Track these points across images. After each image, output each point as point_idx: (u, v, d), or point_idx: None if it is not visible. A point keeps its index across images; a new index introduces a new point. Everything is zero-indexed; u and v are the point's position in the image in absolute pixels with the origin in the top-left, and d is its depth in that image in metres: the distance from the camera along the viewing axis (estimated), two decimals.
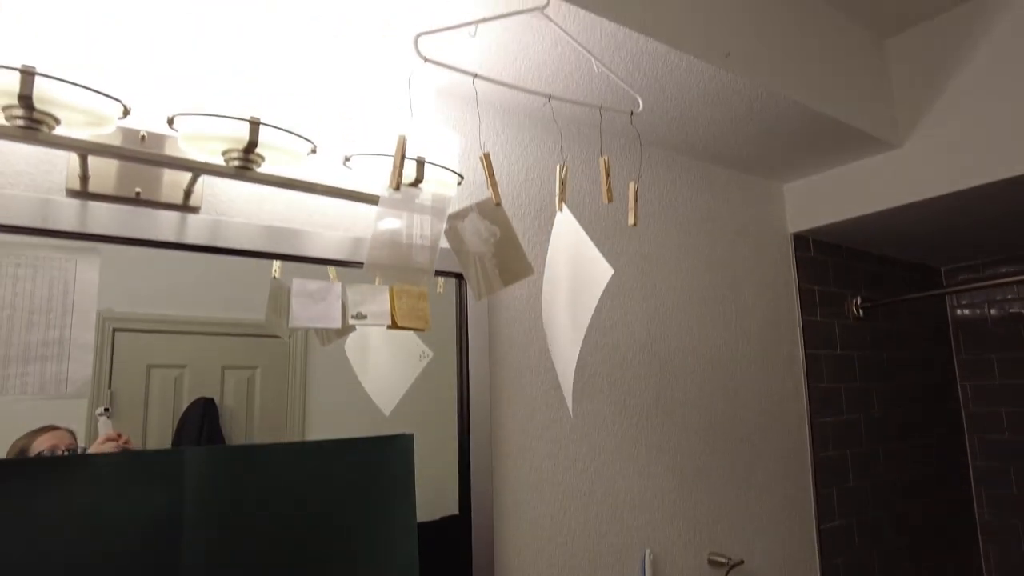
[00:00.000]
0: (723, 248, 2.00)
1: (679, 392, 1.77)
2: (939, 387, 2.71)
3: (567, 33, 1.17)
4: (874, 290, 2.48)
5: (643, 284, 1.75)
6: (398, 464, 1.25)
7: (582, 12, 1.20)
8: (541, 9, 1.10)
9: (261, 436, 1.21)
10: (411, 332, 1.31)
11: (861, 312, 2.36)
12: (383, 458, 1.29)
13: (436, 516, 1.31)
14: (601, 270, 1.15)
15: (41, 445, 1.07)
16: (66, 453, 1.07)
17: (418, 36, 0.96)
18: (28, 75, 0.87)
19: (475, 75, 1.00)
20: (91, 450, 1.08)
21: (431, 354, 1.34)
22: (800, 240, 2.23)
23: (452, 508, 1.34)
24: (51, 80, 0.88)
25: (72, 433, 1.08)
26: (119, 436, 1.11)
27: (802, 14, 1.70)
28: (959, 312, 2.84)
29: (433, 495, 1.32)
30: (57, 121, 0.94)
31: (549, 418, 1.51)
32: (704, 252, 1.93)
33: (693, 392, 1.81)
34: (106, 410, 1.11)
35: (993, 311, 2.73)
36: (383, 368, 1.28)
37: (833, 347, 2.24)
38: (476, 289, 1.19)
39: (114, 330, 1.14)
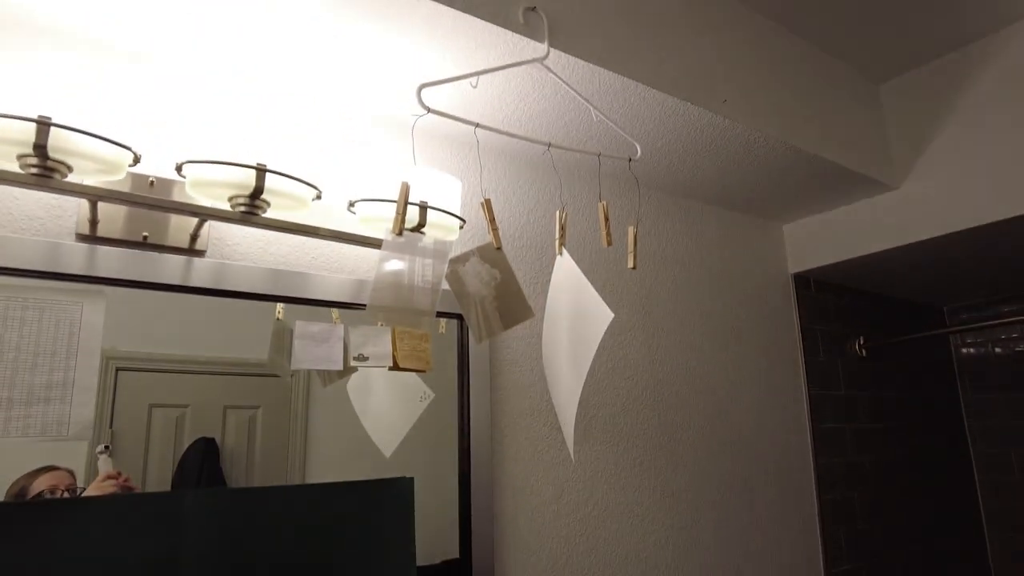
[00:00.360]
0: (724, 289, 2.01)
1: (682, 434, 1.76)
2: (946, 427, 2.68)
3: (566, 83, 1.20)
4: (877, 329, 2.48)
5: (644, 325, 1.76)
6: (398, 508, 1.24)
7: (581, 62, 1.23)
8: (541, 60, 1.13)
9: (262, 476, 1.21)
10: (412, 373, 1.31)
11: (864, 352, 2.36)
12: (383, 501, 1.28)
13: (436, 560, 1.29)
14: (601, 313, 1.16)
15: (40, 486, 1.07)
16: (65, 494, 1.07)
17: (421, 87, 0.99)
18: (44, 125, 0.89)
19: (477, 124, 1.03)
20: (90, 489, 1.08)
21: (432, 395, 1.34)
22: (801, 280, 2.24)
23: (452, 552, 1.32)
24: (66, 130, 0.91)
25: (71, 473, 1.08)
26: (119, 475, 1.10)
27: (797, 60, 1.74)
28: (963, 351, 2.82)
29: (433, 538, 1.30)
30: (70, 168, 0.96)
31: (551, 460, 1.50)
32: (705, 293, 1.94)
33: (697, 434, 1.79)
34: (106, 448, 1.11)
35: (998, 350, 2.71)
36: (384, 409, 1.28)
37: (837, 387, 2.23)
38: (477, 332, 1.20)
39: (117, 369, 1.15)
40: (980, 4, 1.60)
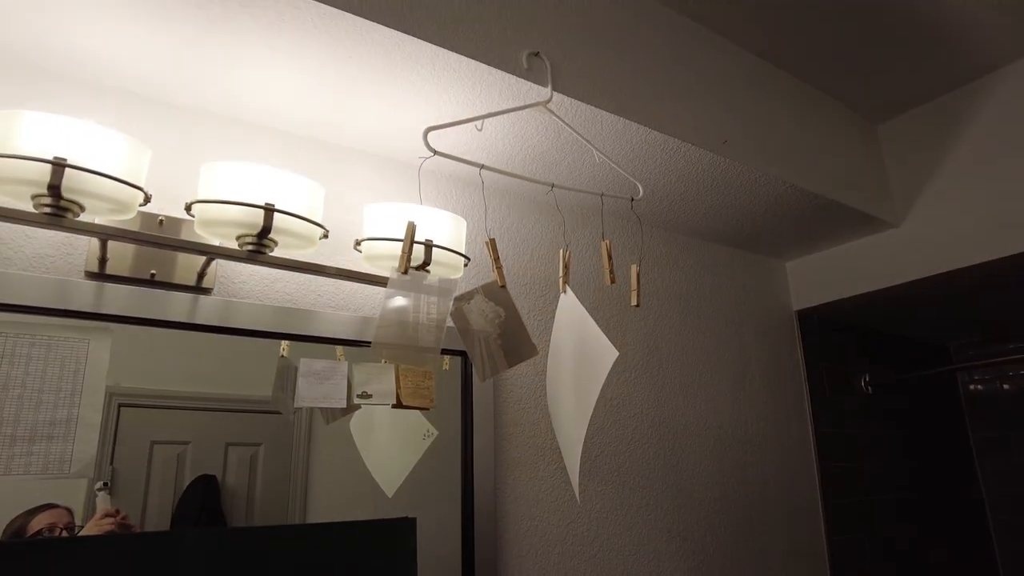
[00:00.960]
0: (728, 326, 2.00)
1: (688, 473, 1.74)
2: (956, 465, 2.64)
3: (569, 125, 1.23)
4: (883, 366, 2.47)
5: (648, 363, 1.75)
6: (399, 549, 1.22)
7: (583, 105, 1.26)
8: (544, 104, 1.16)
9: (262, 514, 1.19)
10: (416, 411, 1.31)
11: (870, 389, 2.34)
12: (385, 542, 1.26)
13: None
14: (605, 351, 1.16)
15: (39, 524, 1.06)
16: (64, 532, 1.06)
17: (427, 131, 1.01)
18: (59, 166, 0.91)
19: (482, 166, 1.05)
20: (88, 527, 1.07)
21: (436, 433, 1.33)
22: (805, 317, 2.24)
23: None
24: (79, 171, 0.93)
25: (70, 511, 1.07)
26: (117, 512, 1.09)
27: (797, 101, 1.77)
28: (971, 388, 2.80)
29: None
30: (82, 208, 0.98)
31: (556, 499, 1.48)
32: (709, 330, 1.94)
33: (702, 473, 1.77)
34: (105, 484, 1.10)
35: (1006, 386, 2.69)
36: (387, 447, 1.27)
37: (843, 425, 2.21)
38: (481, 370, 1.20)
39: (119, 405, 1.15)
40: (975, 46, 1.63)
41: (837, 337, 2.33)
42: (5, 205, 0.95)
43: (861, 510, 2.15)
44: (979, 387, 2.78)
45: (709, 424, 1.83)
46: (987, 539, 2.63)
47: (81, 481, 1.08)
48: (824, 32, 1.50)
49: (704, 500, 1.75)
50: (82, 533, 1.06)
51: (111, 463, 1.11)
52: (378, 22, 1.01)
